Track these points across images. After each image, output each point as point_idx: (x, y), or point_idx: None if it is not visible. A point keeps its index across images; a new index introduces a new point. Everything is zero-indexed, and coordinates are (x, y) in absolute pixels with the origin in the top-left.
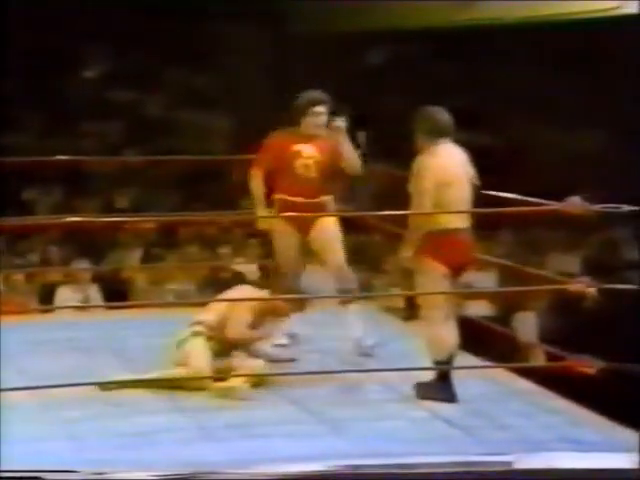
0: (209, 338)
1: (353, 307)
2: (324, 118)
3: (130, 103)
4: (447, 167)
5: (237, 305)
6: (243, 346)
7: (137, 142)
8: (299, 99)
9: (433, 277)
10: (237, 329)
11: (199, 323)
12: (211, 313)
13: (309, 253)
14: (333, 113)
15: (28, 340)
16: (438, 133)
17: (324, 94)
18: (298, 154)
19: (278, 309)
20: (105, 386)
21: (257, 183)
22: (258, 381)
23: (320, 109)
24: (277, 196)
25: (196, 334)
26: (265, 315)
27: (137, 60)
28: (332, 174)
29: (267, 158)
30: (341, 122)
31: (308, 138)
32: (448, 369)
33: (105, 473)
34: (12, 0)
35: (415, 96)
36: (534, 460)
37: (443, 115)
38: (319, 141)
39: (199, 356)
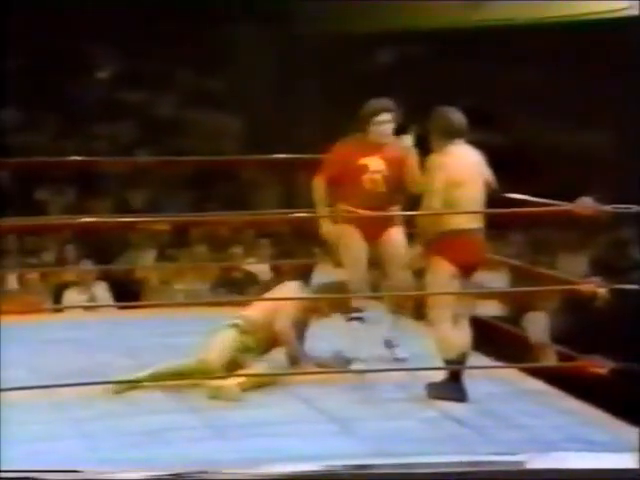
0: (244, 332)
1: (404, 321)
2: (390, 126)
3: (141, 104)
4: (458, 166)
5: (283, 304)
6: (283, 343)
7: (148, 143)
8: (364, 107)
9: (442, 277)
10: (283, 323)
11: (240, 317)
12: (256, 309)
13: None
14: (401, 128)
15: (39, 339)
16: (452, 133)
17: (390, 102)
18: (365, 168)
19: (322, 308)
20: (115, 386)
21: (321, 192)
22: (253, 383)
23: (384, 117)
24: (342, 206)
25: (231, 326)
26: (310, 313)
27: (147, 61)
28: (399, 186)
29: (333, 169)
30: (408, 140)
31: (375, 148)
32: (458, 369)
33: (105, 473)
34: (24, 1)
35: (424, 97)
36: (545, 460)
37: (457, 116)
38: (386, 152)
39: (216, 348)
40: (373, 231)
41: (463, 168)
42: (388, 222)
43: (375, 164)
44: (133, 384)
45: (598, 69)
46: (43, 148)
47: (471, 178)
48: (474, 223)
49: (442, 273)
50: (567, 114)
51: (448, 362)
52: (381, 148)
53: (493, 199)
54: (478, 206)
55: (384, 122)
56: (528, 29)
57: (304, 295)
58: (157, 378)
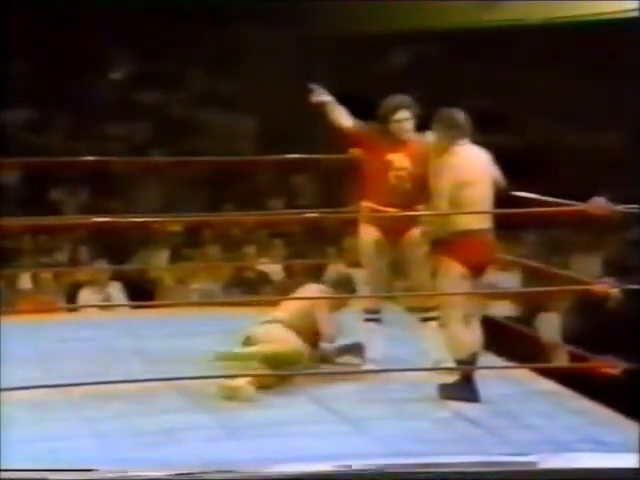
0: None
1: (432, 325)
2: (409, 123)
3: (154, 104)
4: (466, 167)
5: (316, 304)
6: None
7: (163, 143)
8: (382, 105)
9: (452, 278)
10: (331, 326)
11: (273, 319)
12: (286, 311)
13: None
14: (424, 124)
15: (53, 338)
16: (456, 134)
17: (407, 98)
18: (390, 164)
19: (337, 302)
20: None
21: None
22: (265, 382)
23: (403, 115)
24: (366, 204)
25: (272, 322)
26: (332, 309)
27: (161, 62)
28: (423, 184)
29: (367, 139)
30: (430, 136)
31: (398, 145)
32: (470, 369)
33: (114, 472)
34: (36, 2)
35: (437, 97)
36: (557, 460)
37: (460, 116)
38: (410, 149)
39: (286, 334)
40: (395, 231)
41: (471, 168)
42: (410, 222)
43: (400, 161)
44: (233, 358)
45: (609, 69)
46: (57, 148)
47: (479, 178)
48: (484, 223)
49: (452, 274)
50: (578, 114)
51: (459, 362)
52: (405, 144)
53: (503, 198)
54: (487, 206)
55: (403, 119)
56: (539, 29)
57: (328, 295)
58: (253, 357)
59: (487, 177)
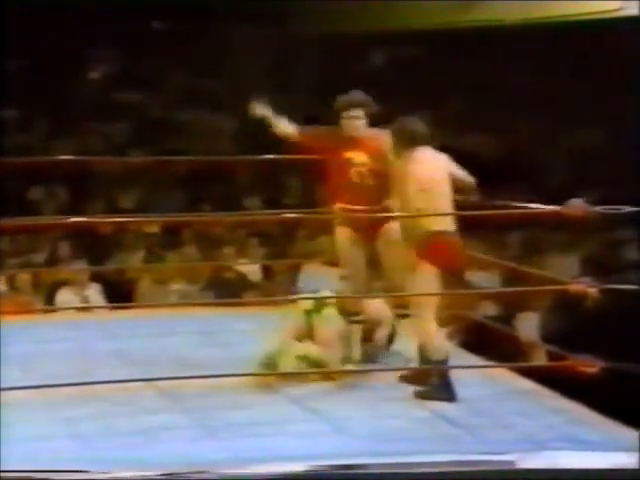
0: None
1: (408, 324)
2: (360, 122)
3: (135, 104)
4: (426, 173)
5: None
6: None
7: (142, 143)
8: (336, 102)
9: (425, 277)
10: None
11: None
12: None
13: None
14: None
15: (31, 340)
16: (413, 142)
17: (362, 95)
18: (350, 162)
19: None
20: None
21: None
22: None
23: (354, 113)
24: (336, 205)
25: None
26: None
27: (142, 61)
28: (385, 179)
29: (316, 141)
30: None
31: (356, 142)
32: (448, 368)
33: (101, 473)
34: (17, 2)
35: (415, 98)
36: (536, 459)
37: (417, 125)
38: (367, 145)
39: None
40: (368, 229)
41: (431, 174)
42: (383, 219)
43: (359, 158)
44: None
45: (589, 69)
46: (37, 148)
47: (439, 183)
48: (447, 225)
49: (425, 274)
50: (557, 114)
51: (434, 362)
52: (361, 141)
53: (471, 200)
54: (449, 208)
55: (354, 117)
56: (519, 29)
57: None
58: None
59: (446, 182)
